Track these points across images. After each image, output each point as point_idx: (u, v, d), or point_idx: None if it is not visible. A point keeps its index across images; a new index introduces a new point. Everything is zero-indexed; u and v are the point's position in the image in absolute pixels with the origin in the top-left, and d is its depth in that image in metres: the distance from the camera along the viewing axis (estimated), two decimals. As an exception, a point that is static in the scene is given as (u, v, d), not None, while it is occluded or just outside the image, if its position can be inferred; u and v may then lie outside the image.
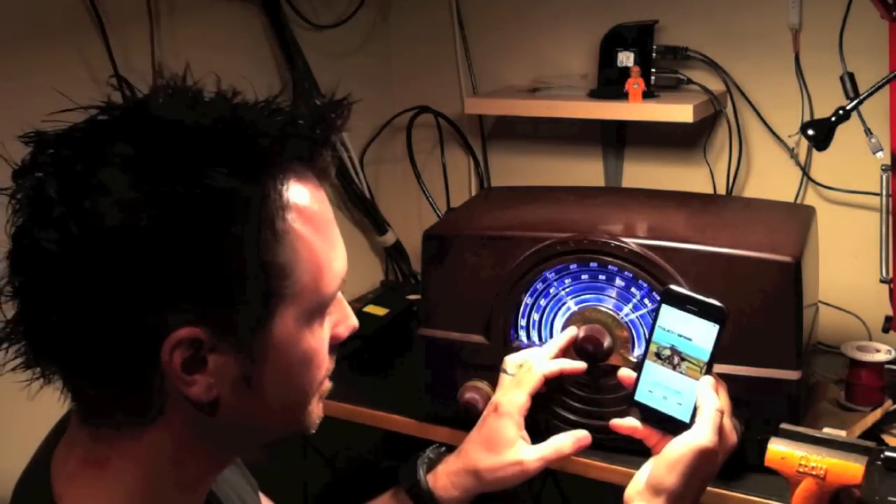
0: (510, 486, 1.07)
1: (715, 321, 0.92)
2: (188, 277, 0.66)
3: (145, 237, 0.65)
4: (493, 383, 1.22)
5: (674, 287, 0.96)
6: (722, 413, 0.91)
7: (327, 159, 0.76)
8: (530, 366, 1.09)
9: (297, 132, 0.72)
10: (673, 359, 0.95)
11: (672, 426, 0.93)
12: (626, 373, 0.99)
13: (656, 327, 0.95)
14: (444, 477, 1.06)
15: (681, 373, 0.94)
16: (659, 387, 0.95)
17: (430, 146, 1.91)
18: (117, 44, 1.35)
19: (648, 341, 0.96)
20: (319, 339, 0.76)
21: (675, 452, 0.90)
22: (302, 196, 0.72)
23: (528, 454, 1.05)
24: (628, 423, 0.96)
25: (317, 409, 0.81)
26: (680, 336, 0.94)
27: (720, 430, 0.91)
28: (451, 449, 1.09)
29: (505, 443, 1.05)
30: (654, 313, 0.96)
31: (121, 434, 0.72)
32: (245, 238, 0.67)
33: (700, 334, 0.93)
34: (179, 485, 0.76)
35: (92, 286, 0.66)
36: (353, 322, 0.82)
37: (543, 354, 1.11)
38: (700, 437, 0.89)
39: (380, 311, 1.60)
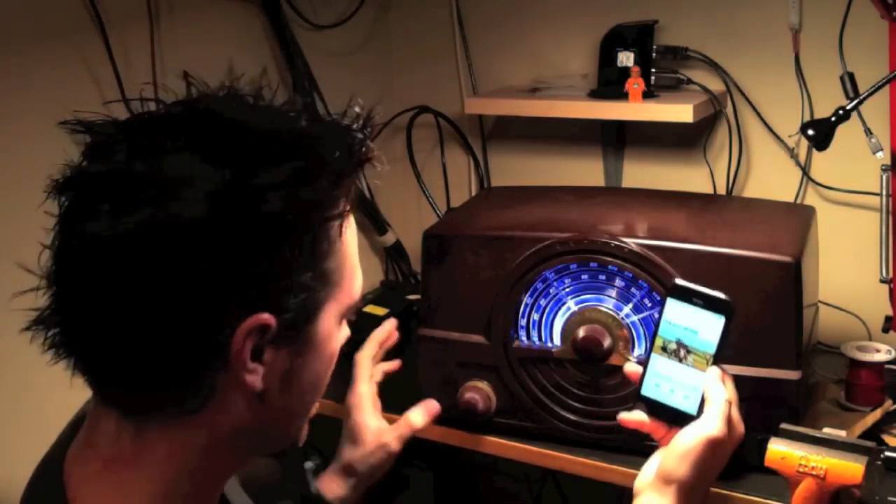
0: (383, 469, 1.16)
1: (722, 314, 0.93)
2: (259, 270, 0.68)
3: (224, 230, 0.66)
4: (493, 383, 1.23)
5: (680, 281, 0.96)
6: (730, 403, 0.92)
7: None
8: (355, 360, 1.21)
9: (358, 145, 0.77)
10: (679, 352, 0.95)
11: (679, 419, 0.93)
12: (631, 367, 1.00)
13: (662, 321, 0.96)
14: (327, 480, 1.15)
15: (688, 366, 0.94)
16: (666, 380, 0.95)
17: (430, 146, 1.91)
18: (117, 43, 1.35)
19: (654, 335, 0.96)
20: (340, 341, 0.79)
21: (686, 443, 0.91)
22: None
23: (387, 436, 1.16)
24: (635, 417, 0.97)
25: (306, 424, 0.83)
26: (686, 329, 0.94)
27: (729, 421, 0.91)
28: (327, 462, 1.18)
29: (365, 432, 1.16)
30: (660, 307, 0.96)
31: (160, 428, 0.71)
32: (322, 240, 0.72)
33: (706, 327, 0.93)
34: (196, 490, 0.75)
35: (163, 277, 0.65)
36: (347, 332, 0.83)
37: (364, 348, 1.22)
38: (710, 427, 0.90)
39: (380, 311, 1.59)
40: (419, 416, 1.19)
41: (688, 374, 0.94)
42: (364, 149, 0.78)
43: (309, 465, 1.19)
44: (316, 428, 0.83)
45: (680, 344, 0.95)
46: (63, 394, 0.75)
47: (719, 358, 0.93)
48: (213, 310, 0.67)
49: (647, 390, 0.96)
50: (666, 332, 0.95)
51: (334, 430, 1.39)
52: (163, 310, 0.66)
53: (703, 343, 0.94)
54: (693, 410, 0.93)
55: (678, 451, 0.91)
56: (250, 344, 0.69)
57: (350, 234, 0.77)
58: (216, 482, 0.78)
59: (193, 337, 0.67)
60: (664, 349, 0.96)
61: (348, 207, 0.76)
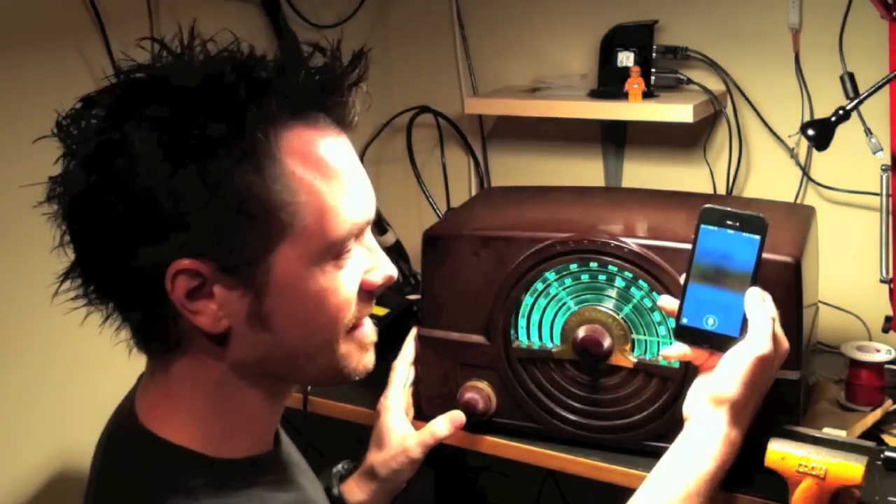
0: (404, 476, 1.16)
1: (755, 232, 0.94)
2: (186, 216, 0.72)
3: (149, 184, 0.72)
4: (493, 383, 1.23)
5: (710, 205, 0.97)
6: (774, 320, 0.94)
7: (343, 108, 0.80)
8: (392, 365, 1.25)
9: (286, 83, 0.76)
10: (717, 277, 0.96)
11: (722, 343, 0.95)
12: (666, 301, 1.01)
13: (697, 248, 0.97)
14: (351, 484, 1.16)
15: (726, 290, 0.95)
16: (705, 307, 0.96)
17: (430, 146, 1.91)
18: (117, 44, 1.35)
19: (690, 265, 0.97)
20: (336, 283, 0.79)
21: (735, 363, 0.92)
22: (305, 141, 0.77)
23: (410, 441, 1.16)
24: (677, 350, 0.98)
25: (358, 356, 0.85)
26: (722, 253, 0.96)
27: (774, 338, 0.93)
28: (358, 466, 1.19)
29: (391, 437, 1.17)
30: (694, 235, 0.97)
31: (168, 361, 0.81)
32: (235, 181, 0.73)
33: (742, 248, 0.95)
34: (236, 421, 0.82)
35: (107, 227, 0.74)
36: (388, 271, 0.85)
37: (401, 354, 1.26)
38: (758, 346, 0.92)
39: (380, 311, 1.59)
40: (443, 425, 1.19)
41: (727, 298, 0.95)
42: (314, 82, 0.78)
43: (338, 468, 1.18)
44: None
45: (717, 269, 0.96)
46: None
47: (756, 277, 0.94)
48: (141, 254, 0.74)
49: (687, 320, 0.97)
50: (702, 258, 0.97)
51: (334, 429, 1.39)
52: (111, 255, 0.75)
53: (741, 264, 0.95)
54: (736, 332, 0.94)
55: (728, 372, 0.92)
56: (183, 286, 0.74)
57: (312, 171, 0.76)
58: (255, 415, 0.84)
59: (141, 279, 0.75)
60: (702, 276, 0.97)
61: (303, 143, 0.76)
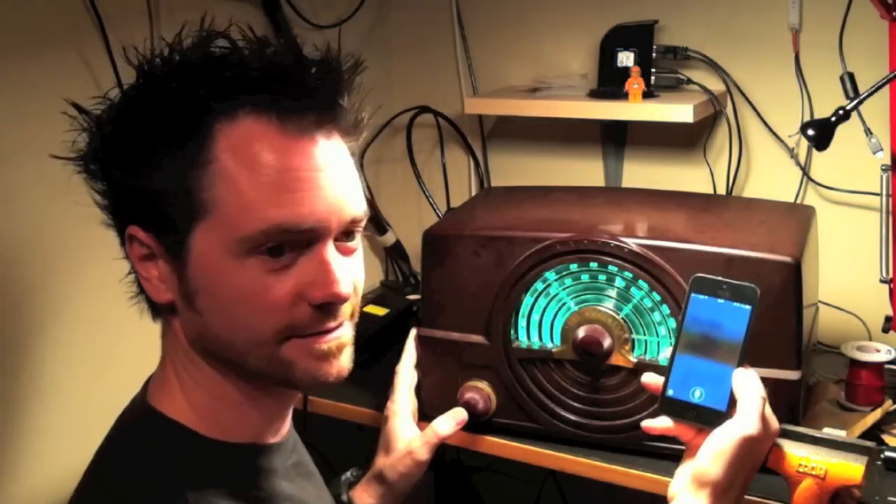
0: (412, 479, 1.17)
1: (747, 302, 0.92)
2: (132, 187, 0.81)
3: (113, 154, 0.82)
4: (493, 383, 1.23)
5: (702, 275, 0.95)
6: (764, 400, 0.90)
7: (331, 110, 0.81)
8: (396, 370, 1.26)
9: (248, 76, 0.80)
10: (706, 347, 0.93)
11: (708, 418, 0.91)
12: (650, 378, 0.97)
13: (686, 317, 0.94)
14: (359, 490, 1.16)
15: (714, 360, 0.92)
16: (692, 377, 0.93)
17: (430, 146, 1.91)
18: (117, 44, 1.35)
19: (679, 333, 0.94)
20: (258, 283, 0.79)
21: (720, 443, 0.88)
22: (249, 137, 0.79)
23: (415, 443, 1.17)
24: (661, 424, 0.94)
25: (312, 364, 0.83)
26: (712, 323, 0.93)
27: (763, 418, 0.89)
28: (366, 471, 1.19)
29: (397, 439, 1.18)
30: (684, 303, 0.95)
31: (162, 331, 0.88)
32: (164, 162, 0.79)
33: (732, 318, 0.92)
34: (216, 396, 0.85)
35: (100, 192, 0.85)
36: (332, 288, 0.81)
37: (403, 358, 1.27)
38: (746, 425, 0.88)
39: (380, 311, 1.59)
40: (446, 423, 1.20)
41: (715, 370, 0.92)
42: (273, 83, 0.80)
43: (346, 475, 1.19)
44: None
45: (706, 338, 0.93)
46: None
47: (747, 349, 0.91)
48: (113, 216, 0.84)
49: (674, 391, 0.94)
50: (691, 327, 0.94)
51: (334, 429, 1.39)
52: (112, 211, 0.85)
53: (731, 334, 0.92)
54: (723, 406, 0.91)
55: (713, 452, 0.88)
56: (137, 252, 0.83)
57: (241, 166, 0.78)
58: (236, 402, 0.85)
59: (122, 239, 0.84)
60: (690, 346, 0.94)
61: (246, 139, 0.79)
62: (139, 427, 0.86)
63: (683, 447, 0.95)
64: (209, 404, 0.85)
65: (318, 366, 0.83)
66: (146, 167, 0.79)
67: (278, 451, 0.90)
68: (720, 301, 0.93)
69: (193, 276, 0.80)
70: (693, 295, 0.94)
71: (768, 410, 0.92)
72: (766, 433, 0.90)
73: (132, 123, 0.81)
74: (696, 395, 0.92)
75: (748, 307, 0.91)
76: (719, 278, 0.94)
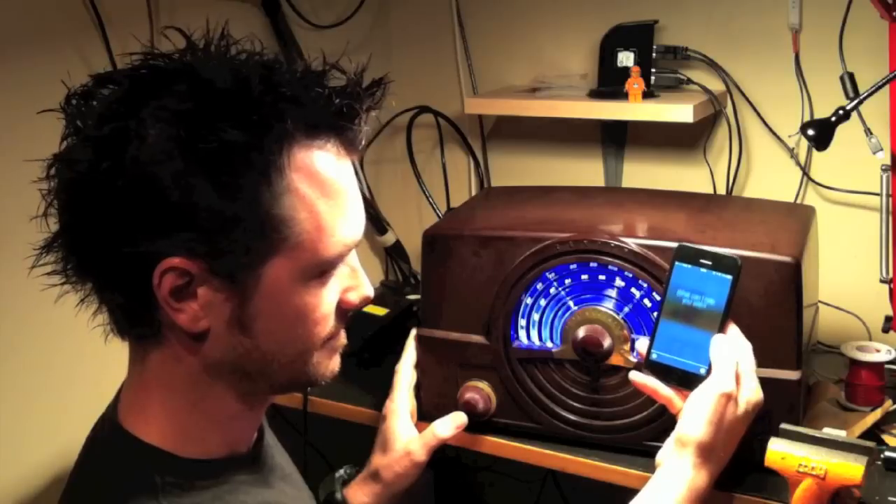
0: (408, 479, 1.16)
1: (728, 272, 0.95)
2: (189, 214, 0.73)
3: (159, 175, 0.72)
4: (493, 383, 1.23)
5: (686, 243, 0.97)
6: (737, 362, 0.94)
7: (353, 131, 0.81)
8: (395, 370, 1.25)
9: (308, 102, 0.77)
10: (688, 315, 0.97)
11: (688, 380, 0.96)
12: (637, 376, 1.01)
13: (670, 285, 0.98)
14: (354, 487, 1.16)
15: (696, 327, 0.96)
16: (675, 343, 0.97)
17: (430, 146, 1.91)
18: (117, 44, 1.35)
19: (663, 300, 0.98)
20: (317, 298, 0.80)
21: (695, 401, 0.93)
22: (314, 161, 0.77)
23: (413, 444, 1.17)
24: (647, 381, 0.99)
25: (327, 363, 0.85)
26: (694, 291, 0.97)
27: (738, 378, 0.93)
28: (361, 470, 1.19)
29: (395, 439, 1.17)
30: (668, 272, 0.98)
31: (146, 351, 0.81)
32: (244, 189, 0.74)
33: (714, 287, 0.96)
34: (212, 420, 0.83)
35: (107, 211, 0.74)
36: (366, 291, 0.86)
37: (403, 358, 1.26)
38: (719, 383, 0.92)
39: (380, 311, 1.59)
40: (446, 427, 1.20)
41: (696, 336, 0.96)
42: (334, 105, 0.79)
43: (340, 472, 1.18)
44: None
45: (688, 306, 0.97)
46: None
47: (727, 317, 0.95)
48: (136, 242, 0.74)
49: (656, 354, 0.98)
50: (674, 295, 0.98)
51: (334, 429, 1.39)
52: (111, 234, 0.75)
53: (712, 303, 0.96)
54: (702, 370, 0.95)
55: (689, 411, 0.92)
56: (170, 283, 0.75)
57: (315, 190, 0.77)
58: (230, 416, 0.84)
59: (130, 268, 0.75)
60: (673, 313, 0.98)
61: (312, 162, 0.77)
62: (114, 453, 0.83)
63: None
64: (196, 424, 0.82)
65: (333, 364, 0.87)
66: (211, 193, 0.73)
67: (255, 460, 0.90)
68: (703, 270, 0.97)
69: (257, 304, 0.78)
70: (677, 263, 0.98)
71: (748, 373, 0.95)
72: (745, 397, 0.94)
73: (195, 141, 0.73)
74: (678, 360, 0.97)
75: (729, 277, 0.95)
76: (703, 247, 0.97)
